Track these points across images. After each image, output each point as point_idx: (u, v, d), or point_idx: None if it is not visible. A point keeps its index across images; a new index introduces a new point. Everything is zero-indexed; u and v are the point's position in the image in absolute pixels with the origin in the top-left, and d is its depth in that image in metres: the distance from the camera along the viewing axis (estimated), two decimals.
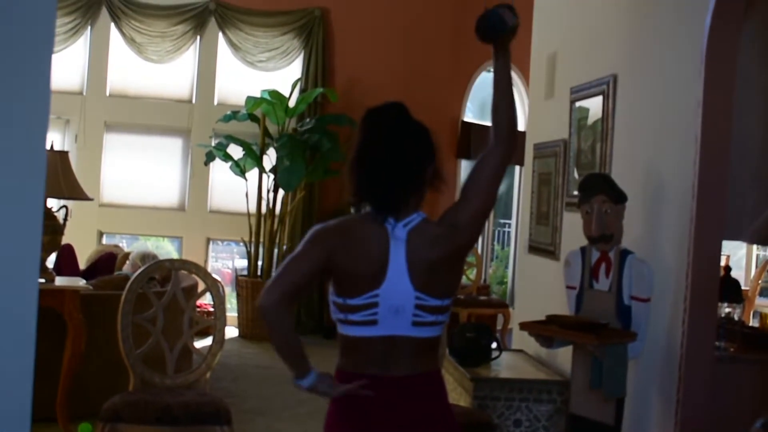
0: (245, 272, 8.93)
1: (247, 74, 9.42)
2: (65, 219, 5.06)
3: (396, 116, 2.37)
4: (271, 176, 8.78)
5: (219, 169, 9.15)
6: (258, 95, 8.80)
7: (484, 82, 9.88)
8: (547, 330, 3.72)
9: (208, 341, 5.02)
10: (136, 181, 9.31)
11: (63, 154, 5.26)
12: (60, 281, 5.03)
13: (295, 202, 8.95)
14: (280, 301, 2.27)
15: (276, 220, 8.84)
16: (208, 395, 3.97)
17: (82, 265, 7.17)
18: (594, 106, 4.72)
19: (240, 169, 8.71)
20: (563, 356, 4.46)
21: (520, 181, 9.91)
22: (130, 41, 9.16)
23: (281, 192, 8.83)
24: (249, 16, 9.31)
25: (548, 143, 5.48)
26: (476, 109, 10.63)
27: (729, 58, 3.56)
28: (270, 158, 8.80)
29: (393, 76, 9.32)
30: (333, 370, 2.44)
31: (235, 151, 8.70)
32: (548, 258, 5.33)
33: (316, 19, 9.38)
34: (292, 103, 8.90)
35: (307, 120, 9.02)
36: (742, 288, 5.02)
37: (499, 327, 8.63)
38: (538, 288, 5.50)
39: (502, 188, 2.49)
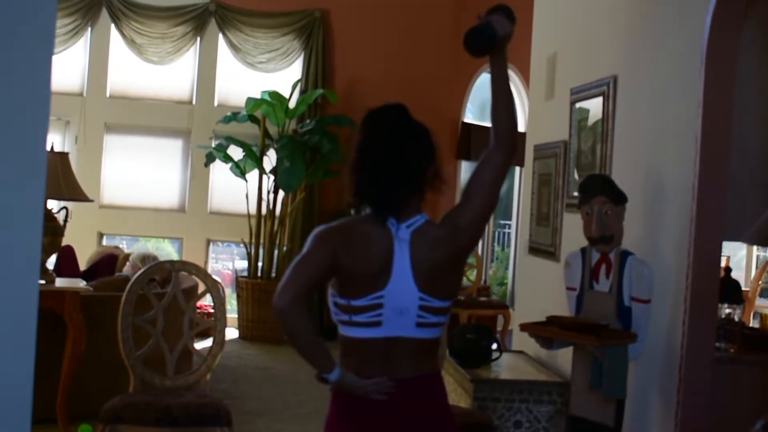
0: (245, 273, 8.93)
1: (247, 75, 9.42)
2: (65, 220, 5.06)
3: (396, 117, 2.37)
4: (271, 177, 8.78)
5: (219, 171, 9.16)
6: (258, 96, 8.81)
7: (484, 82, 9.88)
8: (547, 331, 3.72)
9: (208, 342, 5.02)
10: (136, 182, 9.31)
11: (63, 156, 5.26)
12: (60, 282, 5.03)
13: (295, 203, 8.96)
14: (292, 303, 2.27)
15: (276, 222, 8.84)
16: (208, 396, 3.97)
17: (83, 266, 7.17)
18: (594, 107, 4.72)
19: (240, 171, 8.71)
20: (563, 357, 4.46)
21: (520, 182, 9.90)
22: (131, 42, 9.16)
23: (281, 193, 8.83)
24: (249, 17, 9.31)
25: (548, 144, 5.48)
26: (476, 110, 10.63)
27: (729, 58, 3.56)
28: (270, 159, 8.80)
29: (393, 77, 9.33)
30: None
31: (236, 153, 8.71)
32: (548, 259, 5.33)
33: (316, 21, 9.39)
34: (292, 105, 8.90)
35: (307, 121, 9.03)
36: (743, 289, 5.02)
37: (499, 328, 8.63)
38: (539, 289, 5.50)
39: (503, 189, 2.49)
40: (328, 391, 2.44)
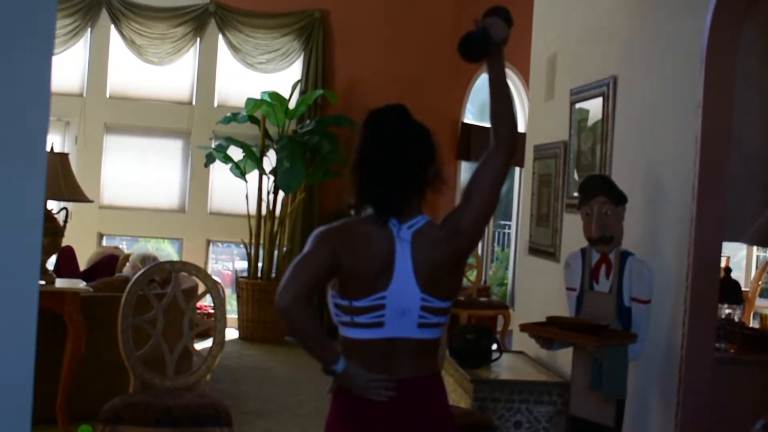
0: (245, 274, 8.93)
1: (247, 76, 9.42)
2: (65, 221, 5.06)
3: (397, 118, 2.38)
4: (271, 178, 8.78)
5: (219, 171, 9.16)
6: (258, 97, 8.81)
7: (484, 83, 9.82)
8: (548, 331, 3.72)
9: (208, 343, 5.01)
10: (136, 182, 9.31)
11: (63, 156, 5.26)
12: (60, 283, 5.03)
13: (295, 203, 8.96)
14: (294, 301, 2.27)
15: (276, 222, 8.84)
16: (208, 397, 3.97)
17: (83, 266, 7.17)
18: (594, 107, 4.72)
19: (240, 171, 8.71)
20: (563, 358, 4.46)
21: (520, 183, 9.91)
22: (130, 43, 9.16)
23: (281, 194, 8.83)
24: (249, 17, 9.31)
25: (548, 145, 5.48)
26: (476, 111, 10.64)
27: (729, 58, 3.56)
28: (270, 160, 8.80)
29: (393, 78, 9.33)
30: None
31: (235, 153, 8.71)
32: (548, 259, 5.33)
33: (316, 21, 9.39)
34: (292, 105, 8.91)
35: (307, 122, 9.03)
36: (743, 289, 5.02)
37: (499, 328, 8.63)
38: (539, 289, 5.50)
39: (503, 190, 2.49)
40: (327, 392, 2.45)
